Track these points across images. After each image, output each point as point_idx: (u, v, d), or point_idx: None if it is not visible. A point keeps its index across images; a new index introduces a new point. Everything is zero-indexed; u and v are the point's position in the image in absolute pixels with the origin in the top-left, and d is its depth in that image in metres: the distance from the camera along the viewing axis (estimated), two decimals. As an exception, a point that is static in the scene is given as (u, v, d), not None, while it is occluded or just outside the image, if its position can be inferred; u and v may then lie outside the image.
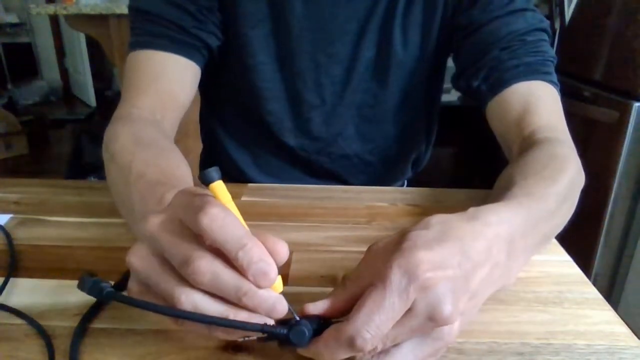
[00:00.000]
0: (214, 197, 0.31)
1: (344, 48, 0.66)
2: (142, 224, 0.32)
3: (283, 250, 0.31)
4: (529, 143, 0.53)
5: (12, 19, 4.30)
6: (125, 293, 0.32)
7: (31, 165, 3.06)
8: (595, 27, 1.53)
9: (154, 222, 0.31)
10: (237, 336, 0.31)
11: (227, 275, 0.29)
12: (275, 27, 0.65)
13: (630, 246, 1.51)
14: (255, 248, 0.29)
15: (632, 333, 0.39)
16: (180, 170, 0.47)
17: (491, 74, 0.60)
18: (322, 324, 0.31)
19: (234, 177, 0.78)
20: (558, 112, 0.58)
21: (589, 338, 0.38)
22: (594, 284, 0.44)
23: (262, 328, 0.29)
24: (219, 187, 0.31)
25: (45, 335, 0.36)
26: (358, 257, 0.38)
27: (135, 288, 0.32)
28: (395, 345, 0.31)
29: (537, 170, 0.46)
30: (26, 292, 0.42)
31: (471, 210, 0.36)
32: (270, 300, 0.30)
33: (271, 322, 0.30)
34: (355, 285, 0.32)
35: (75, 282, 0.40)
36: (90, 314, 0.39)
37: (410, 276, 0.29)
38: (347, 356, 0.30)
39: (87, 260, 0.47)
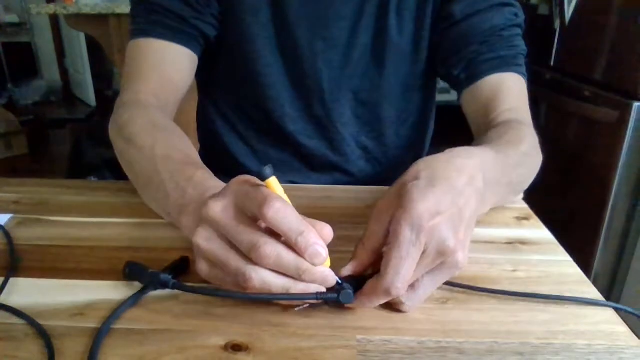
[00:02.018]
0: (271, 189, 0.36)
1: (341, 33, 0.68)
2: (203, 208, 0.37)
3: (329, 233, 0.37)
4: (494, 124, 0.61)
5: (12, 19, 4.29)
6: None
7: (31, 165, 3.06)
8: (595, 27, 1.53)
9: (216, 209, 0.36)
10: (296, 303, 0.39)
11: (288, 257, 0.35)
12: (273, 14, 0.67)
13: (630, 246, 1.50)
14: (310, 234, 0.35)
15: (632, 333, 0.39)
16: (197, 155, 0.52)
17: (470, 65, 0.65)
18: (357, 280, 0.38)
19: (234, 172, 0.78)
20: (523, 99, 0.66)
21: (589, 338, 0.38)
22: (594, 284, 0.44)
23: (317, 296, 0.36)
24: (274, 181, 0.37)
25: (45, 335, 0.36)
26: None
27: (205, 267, 0.38)
28: (418, 279, 0.38)
29: (498, 136, 0.55)
30: (26, 292, 0.42)
31: (447, 151, 0.42)
32: (324, 274, 0.36)
33: (323, 289, 0.37)
34: (372, 241, 0.38)
35: (75, 282, 0.41)
36: (117, 312, 0.39)
37: (417, 229, 0.35)
38: (384, 302, 0.38)
39: (87, 260, 0.47)
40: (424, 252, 0.36)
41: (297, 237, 0.35)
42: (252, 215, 0.36)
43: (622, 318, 0.40)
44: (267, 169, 0.36)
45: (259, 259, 0.35)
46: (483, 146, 0.50)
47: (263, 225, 0.36)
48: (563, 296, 0.42)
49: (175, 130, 0.57)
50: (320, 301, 0.37)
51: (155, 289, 0.41)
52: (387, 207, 0.38)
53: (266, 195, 0.35)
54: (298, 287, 0.36)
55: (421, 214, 0.35)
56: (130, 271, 0.42)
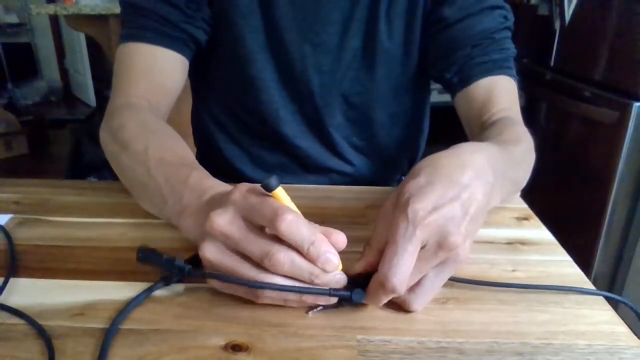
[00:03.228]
0: (278, 200, 0.37)
1: (330, 38, 0.68)
2: (207, 222, 0.37)
3: (343, 240, 0.38)
4: (489, 123, 0.62)
5: (12, 19, 4.29)
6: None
7: (31, 165, 3.06)
8: (595, 27, 1.53)
9: (221, 222, 0.37)
10: (309, 303, 0.39)
11: (301, 262, 0.36)
12: (264, 18, 0.67)
13: (630, 246, 1.50)
14: (321, 242, 0.36)
15: (632, 333, 0.39)
16: (191, 155, 0.52)
17: (462, 68, 0.66)
18: (366, 278, 0.38)
19: (230, 175, 0.78)
20: (514, 100, 0.67)
21: (589, 338, 0.38)
22: (594, 284, 0.44)
23: (330, 292, 0.37)
24: (281, 192, 0.37)
25: (45, 335, 0.36)
26: (358, 257, 0.40)
27: (216, 281, 0.39)
28: (422, 277, 0.38)
29: (497, 134, 0.56)
30: (26, 292, 0.42)
31: (452, 147, 0.42)
32: (335, 278, 0.37)
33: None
34: (378, 241, 0.38)
35: (75, 282, 0.41)
36: (125, 311, 0.39)
37: (412, 224, 0.35)
38: (388, 299, 0.37)
39: (87, 260, 0.47)
40: (424, 248, 0.36)
41: (309, 246, 0.36)
42: (260, 226, 0.37)
43: (622, 318, 0.40)
44: (273, 180, 0.36)
45: (273, 266, 0.36)
46: (487, 142, 0.50)
47: (269, 231, 0.37)
48: (562, 286, 0.42)
49: (169, 131, 0.56)
50: (334, 301, 0.38)
51: (170, 275, 0.41)
52: (391, 208, 0.39)
53: (276, 209, 0.35)
54: (310, 295, 0.37)
55: (416, 210, 0.36)
56: (144, 255, 0.41)
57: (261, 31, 0.67)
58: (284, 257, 0.35)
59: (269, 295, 0.38)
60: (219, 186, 0.45)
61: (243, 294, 0.39)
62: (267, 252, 0.36)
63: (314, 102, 0.71)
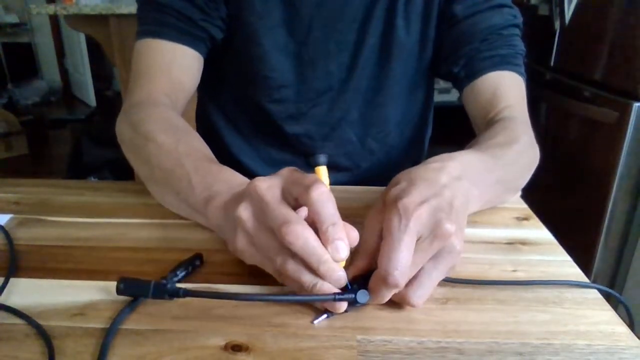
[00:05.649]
0: (319, 177, 0.39)
1: (351, 35, 0.69)
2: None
3: (355, 236, 0.39)
4: (493, 122, 0.62)
5: (12, 19, 4.29)
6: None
7: (31, 165, 3.06)
8: (595, 27, 1.53)
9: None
10: (317, 307, 0.39)
11: (315, 243, 0.36)
12: (286, 16, 0.67)
13: (630, 246, 1.50)
14: (341, 228, 0.37)
15: (632, 333, 0.39)
16: (212, 155, 0.53)
17: (469, 62, 0.67)
18: (364, 278, 0.39)
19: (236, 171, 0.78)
20: (521, 97, 0.68)
21: (589, 338, 0.38)
22: (594, 283, 0.44)
23: (334, 297, 0.37)
24: (324, 170, 0.40)
25: (45, 335, 0.36)
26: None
27: (244, 243, 0.40)
28: (420, 270, 0.39)
29: (490, 137, 0.57)
30: (26, 292, 0.42)
31: (428, 159, 0.45)
32: (337, 272, 0.37)
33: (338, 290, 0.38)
34: (366, 246, 0.40)
35: (75, 282, 0.41)
36: (123, 313, 0.39)
37: (405, 216, 0.37)
38: (391, 294, 0.38)
39: (87, 260, 0.47)
40: (420, 239, 0.37)
41: (329, 226, 0.36)
42: (294, 203, 0.39)
43: (622, 318, 0.40)
44: (322, 157, 0.39)
45: (287, 237, 0.36)
46: (464, 150, 0.52)
47: (301, 214, 0.39)
48: (556, 281, 0.42)
49: (193, 131, 0.57)
50: (342, 310, 0.38)
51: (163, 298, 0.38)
52: (376, 214, 0.40)
53: (315, 179, 0.38)
54: (324, 288, 0.37)
55: (405, 204, 0.37)
56: (127, 285, 0.38)
57: (280, 31, 0.67)
58: (301, 231, 0.36)
59: (288, 271, 0.38)
60: (248, 182, 0.46)
61: (267, 264, 0.40)
62: (287, 220, 0.36)
63: (332, 100, 0.72)
